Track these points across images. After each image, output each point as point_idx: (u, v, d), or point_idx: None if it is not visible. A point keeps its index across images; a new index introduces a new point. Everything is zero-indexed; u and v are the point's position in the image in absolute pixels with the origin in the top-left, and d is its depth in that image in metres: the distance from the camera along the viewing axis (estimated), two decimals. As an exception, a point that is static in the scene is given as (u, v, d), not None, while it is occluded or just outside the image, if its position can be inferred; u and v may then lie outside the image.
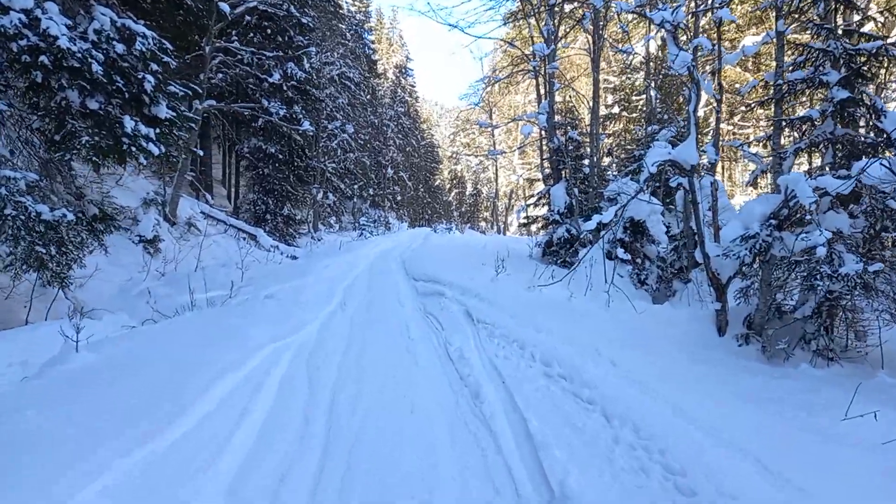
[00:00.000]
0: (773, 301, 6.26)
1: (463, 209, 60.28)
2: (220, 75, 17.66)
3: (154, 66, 6.53)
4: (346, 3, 42.52)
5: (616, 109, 19.49)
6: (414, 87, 59.94)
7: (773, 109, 6.52)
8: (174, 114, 6.99)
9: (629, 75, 19.31)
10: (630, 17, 16.17)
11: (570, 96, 17.40)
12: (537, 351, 4.98)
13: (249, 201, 21.75)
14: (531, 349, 5.03)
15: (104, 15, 6.23)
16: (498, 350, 5.16)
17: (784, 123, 6.29)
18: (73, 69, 5.81)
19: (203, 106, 15.62)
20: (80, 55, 5.75)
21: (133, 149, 6.22)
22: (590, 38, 11.89)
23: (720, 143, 7.75)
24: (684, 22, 6.21)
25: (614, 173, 12.88)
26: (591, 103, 13.17)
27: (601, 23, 11.10)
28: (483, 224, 57.32)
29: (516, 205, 44.74)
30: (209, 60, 15.58)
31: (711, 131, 12.25)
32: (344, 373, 4.61)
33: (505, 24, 17.37)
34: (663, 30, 6.10)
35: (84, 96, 6.06)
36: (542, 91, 14.12)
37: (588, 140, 12.47)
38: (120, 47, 6.10)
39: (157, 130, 6.72)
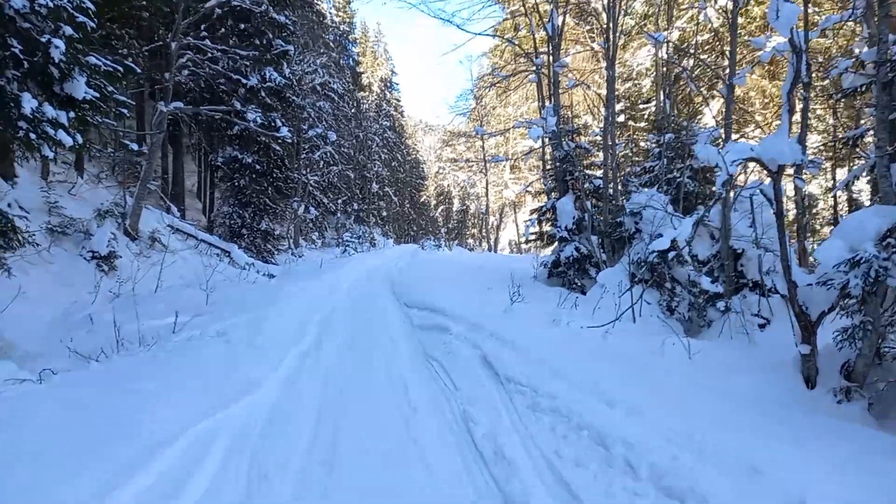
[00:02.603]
0: (879, 345, 4.80)
1: (450, 225, 58.81)
2: (188, 74, 16.01)
3: (67, 30, 4.93)
4: (331, 13, 41.29)
5: (622, 118, 18.19)
6: (399, 101, 58.74)
7: (873, 95, 5.09)
8: (97, 94, 5.38)
9: (635, 82, 18.13)
10: (642, 10, 14.93)
11: (574, 101, 16.16)
12: (632, 453, 3.08)
13: (224, 214, 20.05)
14: (618, 448, 3.15)
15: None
16: (556, 443, 3.34)
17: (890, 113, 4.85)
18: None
19: (169, 108, 14.02)
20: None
21: (33, 136, 4.61)
22: (602, 28, 10.50)
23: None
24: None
25: (636, 184, 11.40)
26: (602, 107, 11.80)
27: (617, 10, 9.72)
28: (471, 241, 55.91)
29: (508, 221, 43.38)
30: (175, 58, 13.98)
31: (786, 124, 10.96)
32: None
33: (505, 19, 16.06)
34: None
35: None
36: (547, 93, 12.74)
37: (602, 146, 11.04)
38: (18, 2, 4.51)
39: (72, 114, 5.12)
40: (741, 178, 10.54)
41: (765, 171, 4.80)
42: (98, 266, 11.52)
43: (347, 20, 44.21)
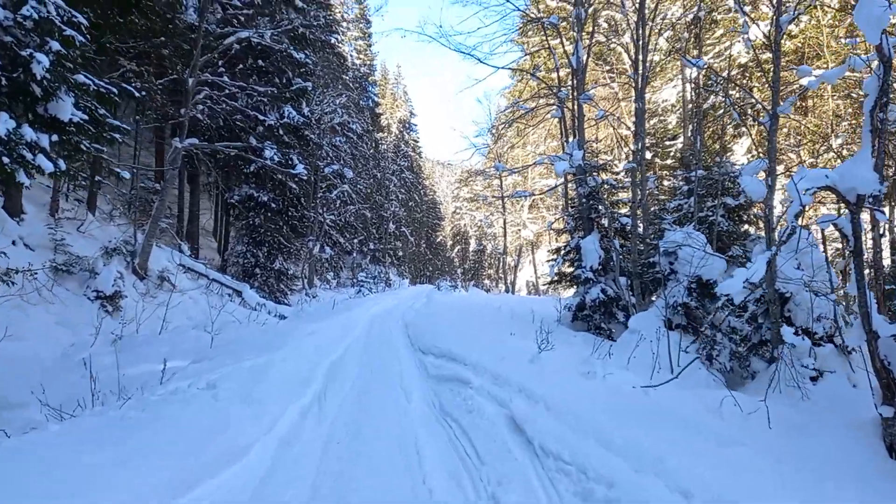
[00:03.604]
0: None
1: (466, 266, 58.16)
2: (205, 111, 15.86)
3: (55, 45, 4.50)
4: (352, 55, 41.90)
5: (647, 156, 17.64)
6: (417, 142, 59.14)
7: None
8: (86, 116, 4.93)
9: (661, 118, 17.65)
10: (668, 46, 14.53)
11: (598, 138, 15.70)
12: None
13: (238, 253, 19.69)
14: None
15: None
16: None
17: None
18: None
19: (184, 144, 13.79)
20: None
21: (6, 161, 4.14)
22: (622, 69, 10.05)
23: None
24: None
25: (669, 222, 10.74)
26: (628, 143, 11.27)
27: (644, 40, 9.24)
28: (487, 282, 55.12)
29: (526, 261, 42.66)
30: (192, 94, 13.82)
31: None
32: None
33: (526, 53, 15.77)
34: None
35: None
36: (571, 127, 12.27)
37: (631, 182, 10.43)
38: (0, 13, 4.10)
39: (55, 137, 4.65)
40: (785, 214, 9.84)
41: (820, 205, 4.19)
42: (102, 306, 11.11)
43: (368, 62, 44.82)
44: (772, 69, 7.72)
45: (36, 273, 10.03)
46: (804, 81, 11.57)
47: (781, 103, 7.70)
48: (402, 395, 5.35)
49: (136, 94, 5.94)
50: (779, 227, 7.93)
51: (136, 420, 3.52)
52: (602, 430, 3.55)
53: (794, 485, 3.05)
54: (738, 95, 13.67)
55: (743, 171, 6.63)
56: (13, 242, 10.43)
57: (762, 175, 8.24)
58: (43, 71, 4.27)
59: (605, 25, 15.48)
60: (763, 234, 11.89)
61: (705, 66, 7.62)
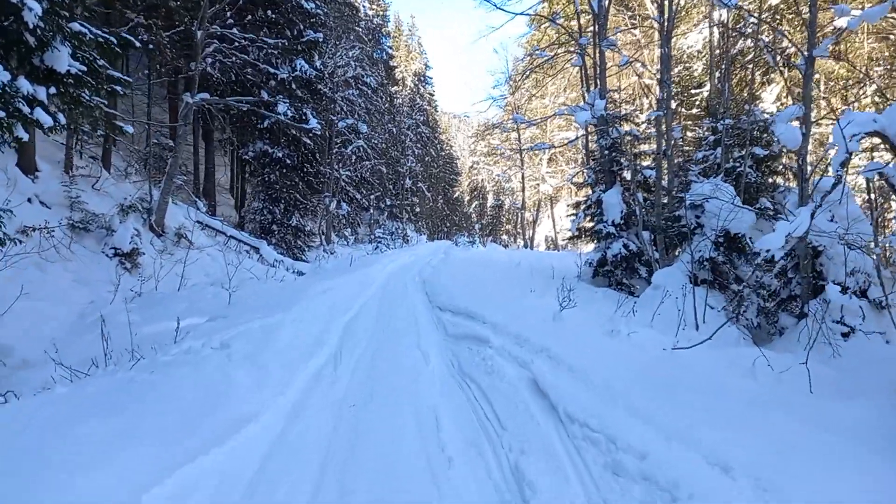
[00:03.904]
0: None
1: (484, 221, 57.74)
2: (216, 64, 15.50)
3: (45, -10, 4.24)
4: (364, 6, 40.69)
5: (672, 105, 16.89)
6: (433, 95, 58.02)
7: None
8: (84, 67, 4.69)
9: (686, 65, 16.83)
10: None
11: (620, 86, 15.05)
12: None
13: (255, 210, 19.63)
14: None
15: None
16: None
17: None
18: None
19: (195, 99, 13.52)
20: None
21: (2, 115, 3.94)
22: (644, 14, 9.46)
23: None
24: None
25: (696, 173, 10.30)
26: (652, 91, 10.74)
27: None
28: (505, 237, 54.79)
29: (544, 216, 42.17)
30: (201, 47, 13.45)
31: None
32: None
33: (543, 2, 15.03)
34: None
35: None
36: (592, 75, 11.73)
37: (656, 132, 9.97)
38: (-16, -46, 3.85)
39: (53, 90, 4.44)
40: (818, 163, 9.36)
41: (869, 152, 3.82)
42: (120, 263, 11.11)
43: (381, 13, 43.57)
44: (808, 8, 7.19)
45: (53, 231, 10.00)
46: (841, 22, 10.87)
47: (818, 45, 7.19)
48: (419, 356, 5.19)
49: (137, 44, 5.66)
50: (812, 178, 7.54)
51: (145, 383, 3.41)
52: (630, 396, 3.34)
53: (842, 460, 2.82)
54: (768, 39, 12.91)
55: (777, 118, 6.22)
56: (29, 200, 10.38)
57: (796, 123, 7.78)
58: (35, 19, 4.00)
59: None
60: (793, 185, 11.45)
61: (736, 5, 7.07)
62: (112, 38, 5.07)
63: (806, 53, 6.82)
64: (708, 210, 8.15)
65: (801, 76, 7.41)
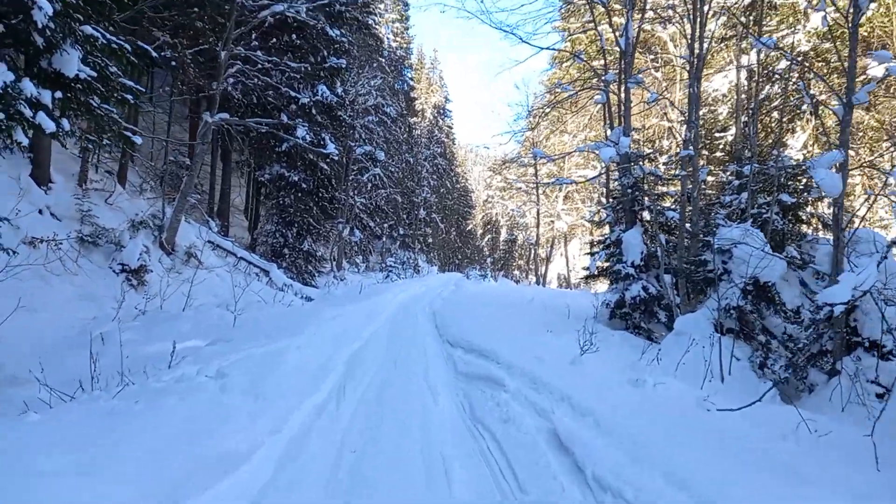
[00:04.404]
0: None
1: (496, 256, 57.44)
2: (238, 85, 15.58)
3: (57, -11, 4.06)
4: (388, 38, 41.38)
5: (698, 145, 16.67)
6: (451, 128, 58.48)
7: None
8: (94, 73, 4.50)
9: (711, 108, 16.66)
10: (720, 33, 13.60)
11: (643, 126, 14.92)
12: None
13: (267, 233, 19.51)
14: None
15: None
16: None
17: None
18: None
19: (214, 119, 13.51)
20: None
21: (1, 117, 3.74)
22: (686, 38, 9.28)
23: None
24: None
25: (723, 217, 9.96)
26: (674, 132, 10.51)
27: (703, 17, 8.48)
28: (517, 273, 54.38)
29: (557, 253, 41.79)
30: (224, 67, 13.50)
31: None
32: None
33: (571, 35, 14.99)
34: None
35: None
36: (617, 113, 11.55)
37: (682, 173, 9.69)
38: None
39: (59, 94, 4.24)
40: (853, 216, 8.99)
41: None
42: (127, 280, 10.93)
43: (404, 45, 44.25)
44: (847, 54, 6.94)
45: (61, 243, 9.85)
46: (875, 72, 10.60)
47: (857, 91, 6.92)
48: (427, 395, 4.81)
49: (153, 53, 5.53)
50: (848, 228, 7.19)
51: (126, 414, 3.08)
52: (669, 461, 2.92)
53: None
54: (803, 83, 12.71)
55: (816, 163, 5.92)
56: (39, 211, 10.27)
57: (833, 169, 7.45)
58: (45, 19, 3.83)
59: (651, 13, 14.61)
60: (821, 234, 11.07)
61: (773, 46, 6.84)
62: (126, 46, 4.91)
63: (845, 99, 6.54)
64: (736, 256, 7.79)
65: (827, 124, 7.13)
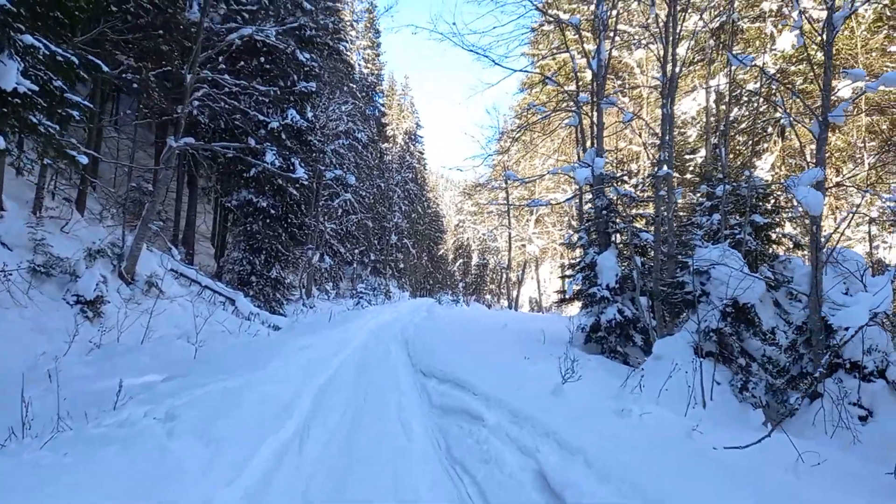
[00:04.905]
0: None
1: (468, 280, 57.28)
2: (203, 108, 15.20)
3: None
4: (359, 64, 41.47)
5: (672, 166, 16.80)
6: (423, 153, 58.68)
7: None
8: (35, 87, 4.13)
9: (681, 130, 16.87)
10: (689, 57, 13.79)
11: (617, 146, 14.98)
12: None
13: (234, 260, 18.89)
14: None
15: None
16: None
17: None
18: None
19: (179, 143, 13.06)
20: None
21: (-80, 134, 3.32)
22: (659, 60, 9.30)
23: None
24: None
25: (700, 237, 9.91)
26: (640, 157, 10.50)
27: (675, 35, 8.53)
28: (489, 297, 54.26)
29: (528, 277, 41.77)
30: (190, 91, 13.11)
31: None
32: None
33: (543, 57, 15.05)
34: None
35: None
36: (589, 134, 11.51)
37: (655, 195, 9.63)
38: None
39: (-6, 110, 3.87)
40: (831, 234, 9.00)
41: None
42: (81, 311, 10.32)
43: (376, 71, 44.33)
44: (823, 72, 6.98)
45: (10, 274, 9.28)
46: (843, 92, 10.74)
47: (833, 109, 6.94)
48: (400, 432, 4.44)
49: (104, 68, 5.16)
50: (826, 247, 7.14)
51: (52, 468, 2.66)
52: (664, 499, 2.65)
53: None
54: (764, 108, 12.93)
55: (797, 181, 5.85)
56: (-11, 240, 9.69)
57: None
58: (-27, 26, 3.48)
59: (618, 39, 14.80)
60: (794, 255, 11.11)
61: (751, 63, 6.84)
62: (73, 58, 4.53)
63: (821, 117, 6.54)
64: (714, 277, 7.68)
65: (795, 145, 7.13)
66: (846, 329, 5.57)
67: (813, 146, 13.99)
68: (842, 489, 3.32)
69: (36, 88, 4.19)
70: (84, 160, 5.62)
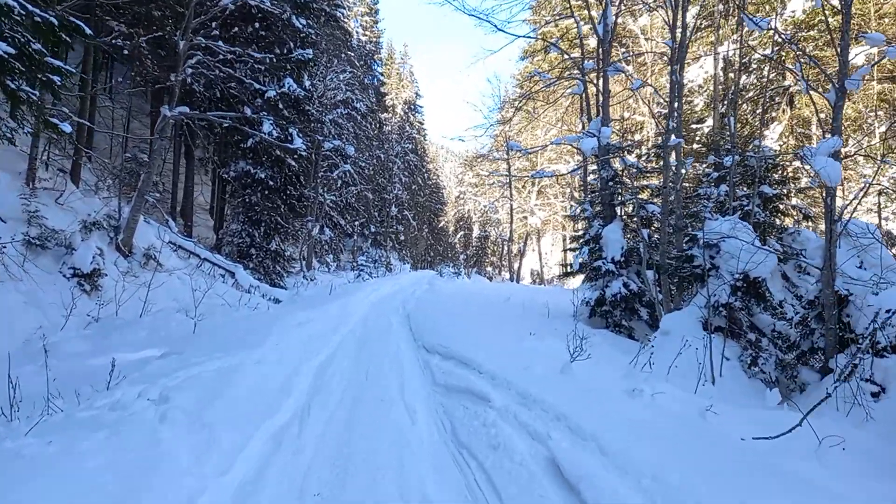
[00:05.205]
0: None
1: (469, 252, 57.07)
2: (198, 77, 14.79)
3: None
4: (357, 31, 40.56)
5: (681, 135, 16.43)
6: (423, 124, 57.96)
7: None
8: (11, 50, 3.86)
9: (687, 99, 16.43)
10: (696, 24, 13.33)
11: (622, 116, 14.61)
12: None
13: (233, 232, 18.68)
14: None
15: None
16: None
17: None
18: None
19: (173, 113, 12.73)
20: None
21: None
22: (669, 25, 8.93)
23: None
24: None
25: (709, 209, 9.67)
26: (647, 124, 10.18)
27: (685, 1, 8.18)
28: (490, 269, 54.11)
29: (529, 249, 41.59)
30: (183, 58, 12.71)
31: None
32: None
33: (547, 22, 14.58)
34: None
35: None
36: (594, 102, 11.17)
37: (663, 165, 9.35)
38: None
39: (-37, 75, 3.61)
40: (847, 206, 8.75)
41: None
42: (78, 285, 10.16)
43: (374, 39, 43.41)
44: (840, 36, 6.65)
45: (5, 247, 9.09)
46: (857, 59, 10.37)
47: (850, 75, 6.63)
48: (404, 414, 4.27)
49: (87, 31, 4.86)
50: (842, 218, 6.91)
51: (34, 459, 2.48)
52: (689, 491, 2.47)
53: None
54: (773, 76, 12.54)
55: (815, 151, 5.59)
56: (-20, 212, 9.48)
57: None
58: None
59: (623, 7, 14.33)
60: (803, 226, 10.88)
61: (768, 27, 6.51)
62: (53, 19, 4.22)
63: (837, 83, 6.24)
64: (724, 251, 7.46)
65: (805, 114, 6.84)
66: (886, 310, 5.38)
67: (822, 115, 13.66)
68: (873, 477, 3.16)
69: (13, 51, 3.90)
70: (67, 129, 5.34)
